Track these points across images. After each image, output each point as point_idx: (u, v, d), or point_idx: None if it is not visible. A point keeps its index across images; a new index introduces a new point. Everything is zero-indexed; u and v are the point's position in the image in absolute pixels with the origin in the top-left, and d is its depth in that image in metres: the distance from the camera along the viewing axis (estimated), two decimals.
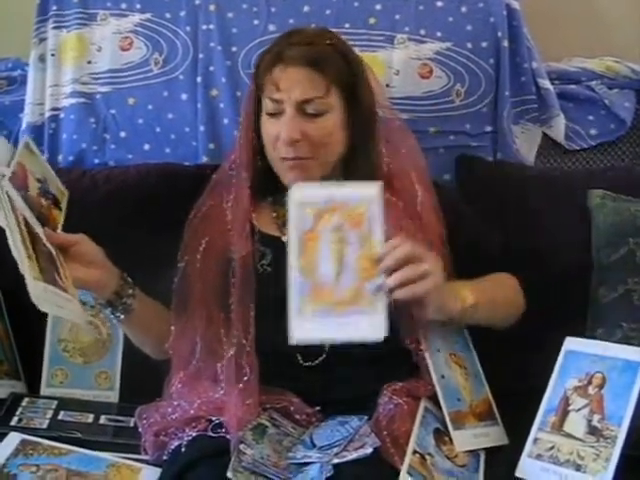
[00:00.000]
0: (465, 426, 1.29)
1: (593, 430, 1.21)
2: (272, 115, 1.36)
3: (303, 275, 1.22)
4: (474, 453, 1.28)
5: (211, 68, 1.76)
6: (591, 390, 1.25)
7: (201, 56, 1.76)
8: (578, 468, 1.20)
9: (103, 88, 1.79)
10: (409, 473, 1.14)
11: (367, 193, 1.24)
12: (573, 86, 1.86)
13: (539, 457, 1.24)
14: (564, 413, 1.25)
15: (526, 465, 1.24)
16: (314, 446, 1.19)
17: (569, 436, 1.23)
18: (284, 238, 1.36)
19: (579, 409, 1.24)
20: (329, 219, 1.24)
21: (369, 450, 1.14)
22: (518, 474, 1.24)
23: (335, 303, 1.22)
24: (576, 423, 1.23)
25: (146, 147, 1.78)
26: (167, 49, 1.78)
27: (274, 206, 1.44)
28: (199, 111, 1.76)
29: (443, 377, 1.32)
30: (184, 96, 1.77)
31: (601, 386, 1.24)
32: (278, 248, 1.34)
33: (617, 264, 1.49)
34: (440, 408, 1.28)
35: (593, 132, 1.82)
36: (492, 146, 1.78)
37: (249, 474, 1.14)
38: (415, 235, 1.33)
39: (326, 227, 1.24)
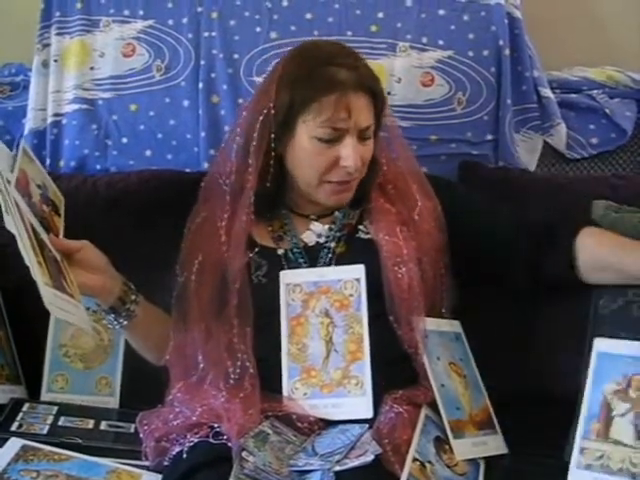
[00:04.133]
0: (465, 435, 1.29)
1: None
2: (327, 141, 1.33)
3: (292, 360, 1.30)
4: (474, 462, 1.28)
5: (213, 75, 1.77)
6: (632, 393, 1.22)
7: (203, 63, 1.77)
8: (633, 476, 1.17)
9: (105, 94, 1.80)
10: None
11: (352, 276, 1.33)
12: (574, 95, 1.86)
13: (589, 467, 1.21)
14: (608, 419, 1.22)
15: (577, 477, 1.21)
16: (316, 454, 1.19)
17: (618, 443, 1.20)
18: (279, 251, 1.40)
19: (623, 414, 1.22)
20: (316, 303, 1.32)
21: (370, 457, 1.14)
22: None
23: (323, 385, 1.28)
24: (623, 429, 1.21)
25: (147, 153, 1.79)
26: (169, 56, 1.79)
27: (270, 220, 1.43)
28: (200, 117, 1.76)
29: (443, 386, 1.33)
30: (186, 103, 1.77)
31: None
32: (273, 260, 1.38)
33: None
34: (440, 416, 1.28)
35: (594, 141, 1.82)
36: (493, 154, 1.79)
37: None
38: (407, 241, 1.35)
39: (314, 311, 1.32)
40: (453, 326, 1.44)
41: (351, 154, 1.33)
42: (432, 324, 1.37)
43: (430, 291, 1.37)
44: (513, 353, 1.51)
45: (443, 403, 1.29)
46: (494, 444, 1.34)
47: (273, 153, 1.36)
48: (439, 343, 1.38)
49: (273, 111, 1.33)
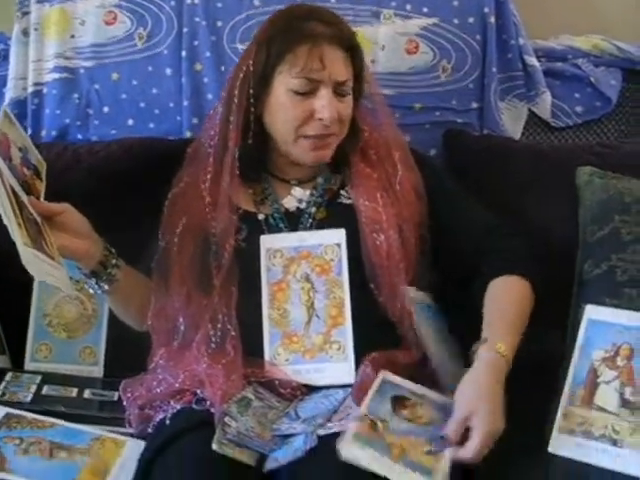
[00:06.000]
0: None
1: (626, 403, 1.20)
2: (302, 94, 1.33)
3: (274, 325, 1.30)
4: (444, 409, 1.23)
5: (195, 43, 1.75)
6: (620, 361, 1.23)
7: (185, 30, 1.75)
8: (615, 443, 1.18)
9: (87, 63, 1.77)
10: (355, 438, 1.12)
11: (333, 241, 1.32)
12: (559, 64, 1.86)
13: (572, 432, 1.22)
14: (593, 386, 1.23)
15: (559, 440, 1.22)
16: (299, 418, 1.19)
17: (601, 410, 1.21)
18: (260, 216, 1.40)
19: (609, 381, 1.23)
20: (297, 269, 1.32)
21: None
22: (551, 450, 1.22)
23: (305, 351, 1.28)
24: (607, 396, 1.21)
25: (130, 122, 1.77)
26: (151, 23, 1.76)
27: (251, 185, 1.43)
28: (183, 86, 1.74)
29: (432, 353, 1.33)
30: (168, 71, 1.76)
31: (630, 357, 1.23)
32: (253, 224, 1.38)
33: (602, 241, 1.49)
34: (410, 379, 1.26)
35: (579, 109, 1.82)
36: (478, 122, 1.78)
37: (234, 446, 1.14)
38: (387, 208, 1.35)
39: (295, 276, 1.32)
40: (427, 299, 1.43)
41: (326, 105, 1.33)
42: (415, 294, 1.37)
43: (411, 261, 1.36)
44: None
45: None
46: None
47: (252, 109, 1.36)
48: (427, 316, 1.38)
49: (252, 68, 1.35)
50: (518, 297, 1.33)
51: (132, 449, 1.24)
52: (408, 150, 1.46)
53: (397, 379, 1.24)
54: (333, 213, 1.40)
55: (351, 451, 1.09)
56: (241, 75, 1.37)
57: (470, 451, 1.12)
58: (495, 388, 1.18)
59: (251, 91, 1.36)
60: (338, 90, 1.35)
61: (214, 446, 1.13)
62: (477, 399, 1.17)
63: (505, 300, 1.32)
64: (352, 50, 1.37)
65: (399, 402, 1.21)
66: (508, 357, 1.22)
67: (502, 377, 1.20)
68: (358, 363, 1.27)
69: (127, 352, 1.48)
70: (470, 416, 1.14)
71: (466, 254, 1.39)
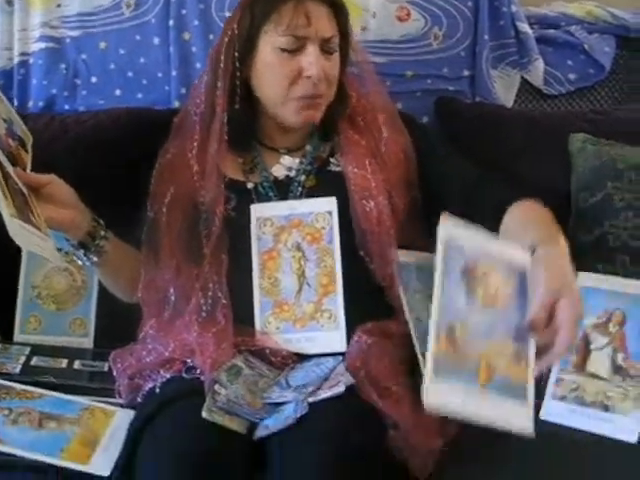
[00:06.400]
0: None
1: (618, 369, 1.20)
2: (289, 51, 1.32)
3: (265, 294, 1.28)
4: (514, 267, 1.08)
5: (183, 11, 1.72)
6: (612, 328, 1.23)
7: None
8: (606, 409, 1.19)
9: (73, 32, 1.74)
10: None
11: (324, 209, 1.31)
12: (552, 30, 1.84)
13: (563, 399, 1.23)
14: (585, 352, 1.24)
15: (551, 407, 1.22)
16: (289, 386, 1.19)
17: (593, 376, 1.22)
18: (249, 184, 1.39)
19: (601, 348, 1.23)
20: (288, 237, 1.30)
21: (342, 388, 1.13)
22: (543, 416, 1.22)
23: (296, 319, 1.27)
24: (599, 362, 1.22)
25: (118, 92, 1.74)
26: None
27: (240, 153, 1.41)
28: (171, 55, 1.72)
29: (419, 320, 1.29)
30: (156, 40, 1.73)
31: (622, 323, 1.23)
32: (243, 193, 1.37)
33: (595, 207, 1.49)
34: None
35: (572, 77, 1.80)
36: (470, 90, 1.76)
37: (224, 413, 1.13)
38: (375, 174, 1.34)
39: (285, 245, 1.30)
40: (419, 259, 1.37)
41: (314, 62, 1.31)
42: (408, 256, 1.34)
43: (402, 224, 1.35)
44: None
45: (417, 337, 1.26)
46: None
47: (239, 73, 1.35)
48: (417, 277, 1.34)
49: (237, 31, 1.34)
50: (541, 211, 1.26)
51: (122, 419, 1.23)
52: (397, 115, 1.44)
53: (458, 226, 1.07)
54: (323, 181, 1.38)
55: (437, 397, 0.96)
56: (226, 39, 1.36)
57: (562, 346, 1.01)
58: (571, 268, 1.08)
59: (236, 54, 1.35)
60: (325, 47, 1.34)
61: (204, 414, 1.12)
62: (561, 276, 1.06)
63: (533, 214, 1.25)
64: (335, 6, 1.36)
65: (471, 276, 1.05)
66: (567, 249, 1.12)
67: (571, 264, 1.10)
68: (350, 331, 1.26)
69: (118, 323, 1.47)
70: (558, 297, 1.03)
71: (464, 204, 1.34)
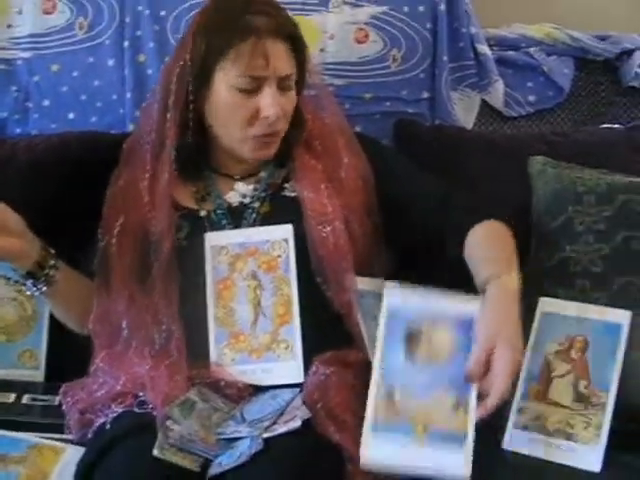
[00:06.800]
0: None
1: (580, 397, 1.19)
2: (246, 92, 1.29)
3: (220, 324, 1.26)
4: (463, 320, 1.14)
5: (138, 33, 1.70)
6: (574, 354, 1.22)
7: (128, 20, 1.69)
8: (569, 437, 1.18)
9: (25, 54, 1.71)
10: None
11: (280, 236, 1.29)
12: (512, 52, 1.84)
13: (525, 428, 1.21)
14: (548, 380, 1.22)
15: (513, 436, 1.21)
16: (244, 421, 1.16)
17: (556, 404, 1.20)
18: (202, 212, 1.36)
19: (563, 375, 1.22)
20: (243, 266, 1.28)
21: (298, 423, 1.10)
22: (505, 446, 1.21)
23: (252, 350, 1.25)
24: (562, 390, 1.21)
25: (71, 116, 1.71)
26: (92, 13, 1.70)
27: (193, 182, 1.39)
28: (126, 77, 1.69)
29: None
30: (110, 62, 1.70)
31: (584, 350, 1.22)
32: (195, 222, 1.34)
33: (556, 231, 1.48)
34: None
35: (532, 99, 1.81)
36: (430, 112, 1.75)
37: (176, 451, 1.10)
38: (332, 199, 1.32)
39: (241, 274, 1.28)
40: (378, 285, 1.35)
41: (271, 103, 1.29)
42: (367, 284, 1.32)
43: (361, 251, 1.33)
44: None
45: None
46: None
47: (192, 106, 1.32)
48: (376, 305, 1.32)
49: (189, 62, 1.30)
50: (502, 235, 1.29)
51: (72, 456, 1.18)
52: (354, 137, 1.42)
53: (403, 292, 1.15)
54: (277, 207, 1.36)
55: (373, 454, 1.04)
56: (177, 69, 1.32)
57: (495, 396, 1.07)
58: (515, 314, 1.13)
59: (190, 87, 1.31)
60: (281, 85, 1.31)
61: (155, 452, 1.08)
62: (501, 323, 1.11)
63: (492, 240, 1.29)
64: (294, 41, 1.33)
65: (413, 339, 1.13)
66: (517, 290, 1.16)
67: (517, 307, 1.14)
68: (307, 362, 1.23)
69: (71, 355, 1.42)
70: (494, 345, 1.09)
71: (425, 228, 1.36)
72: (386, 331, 1.13)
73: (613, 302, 1.32)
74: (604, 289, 1.36)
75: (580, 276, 1.38)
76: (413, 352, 1.11)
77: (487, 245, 1.28)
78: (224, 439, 1.13)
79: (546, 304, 1.28)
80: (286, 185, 1.38)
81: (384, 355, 1.12)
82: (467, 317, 1.13)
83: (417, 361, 1.11)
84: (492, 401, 1.08)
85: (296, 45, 1.33)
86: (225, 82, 1.29)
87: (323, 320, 1.27)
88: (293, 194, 1.36)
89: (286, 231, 1.29)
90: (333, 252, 1.29)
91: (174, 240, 1.30)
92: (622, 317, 1.25)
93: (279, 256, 1.28)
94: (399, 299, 1.15)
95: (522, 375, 1.23)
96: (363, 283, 1.31)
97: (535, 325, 1.27)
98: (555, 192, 1.50)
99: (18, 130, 1.70)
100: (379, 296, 1.31)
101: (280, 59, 1.30)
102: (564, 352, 1.24)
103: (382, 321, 1.14)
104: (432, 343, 1.12)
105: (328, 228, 1.30)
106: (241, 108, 1.30)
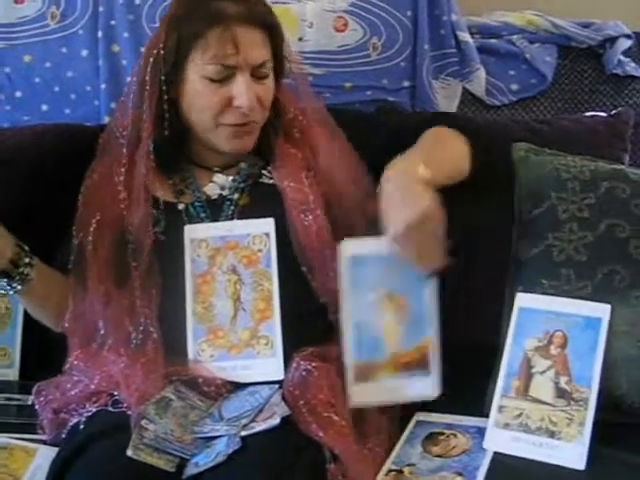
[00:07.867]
0: (371, 378, 1.18)
1: (562, 393, 1.17)
2: (217, 81, 1.27)
3: (198, 320, 1.23)
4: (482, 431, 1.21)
5: (112, 22, 1.67)
6: (553, 350, 1.20)
7: (102, 9, 1.67)
8: (552, 435, 1.16)
9: None
10: None
11: (261, 230, 1.26)
12: (494, 40, 1.82)
13: (507, 426, 1.18)
14: (528, 376, 1.20)
15: (494, 435, 1.18)
16: (222, 418, 1.13)
17: (537, 401, 1.18)
18: (180, 206, 1.33)
19: (543, 371, 1.20)
20: (223, 260, 1.26)
21: (277, 421, 1.08)
22: (486, 446, 1.18)
23: (231, 346, 1.22)
24: (542, 387, 1.18)
25: (44, 108, 1.68)
26: (65, 2, 1.67)
27: (172, 174, 1.36)
28: (100, 68, 1.67)
29: (360, 324, 1.20)
30: (84, 52, 1.68)
31: (563, 345, 1.20)
32: (173, 215, 1.31)
33: (538, 219, 1.45)
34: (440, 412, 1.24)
35: (514, 87, 1.78)
36: (411, 101, 1.73)
37: (151, 451, 1.08)
38: (312, 188, 1.30)
39: (221, 268, 1.25)
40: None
41: (244, 92, 1.26)
42: (362, 247, 1.20)
43: (344, 236, 1.27)
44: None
45: (354, 343, 1.18)
46: (417, 387, 1.20)
47: (166, 97, 1.29)
48: (375, 270, 1.21)
49: (162, 52, 1.28)
50: (450, 141, 1.36)
51: (44, 457, 1.16)
52: (333, 124, 1.39)
53: (432, 416, 1.25)
54: (256, 197, 1.34)
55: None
56: (151, 60, 1.29)
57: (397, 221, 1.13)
58: (413, 182, 1.17)
59: (163, 78, 1.29)
60: (256, 73, 1.28)
61: (129, 452, 1.06)
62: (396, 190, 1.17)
63: (433, 139, 1.34)
64: (269, 28, 1.30)
65: (432, 439, 1.21)
66: (426, 177, 1.18)
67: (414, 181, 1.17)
68: (288, 358, 1.20)
69: (46, 353, 1.40)
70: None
71: None
72: (406, 441, 1.21)
73: (597, 291, 1.30)
74: (589, 278, 1.34)
75: (564, 265, 1.35)
76: (429, 448, 1.20)
77: (425, 141, 1.32)
78: (201, 437, 1.11)
79: (524, 299, 1.26)
80: (263, 172, 1.36)
81: (401, 450, 1.20)
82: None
83: (431, 453, 1.19)
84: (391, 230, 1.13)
85: (272, 33, 1.30)
86: (196, 72, 1.27)
87: (305, 313, 1.25)
88: (270, 181, 1.34)
89: (267, 225, 1.26)
90: (316, 241, 1.27)
91: (153, 235, 1.28)
92: (601, 311, 1.23)
93: (260, 250, 1.26)
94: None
95: (502, 372, 1.22)
96: (355, 246, 1.21)
97: (513, 321, 1.25)
98: (538, 179, 1.47)
99: None
100: (382, 260, 1.21)
101: (252, 47, 1.27)
102: (543, 348, 1.21)
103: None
104: (447, 444, 1.20)
105: (310, 217, 1.28)
106: (214, 97, 1.27)
